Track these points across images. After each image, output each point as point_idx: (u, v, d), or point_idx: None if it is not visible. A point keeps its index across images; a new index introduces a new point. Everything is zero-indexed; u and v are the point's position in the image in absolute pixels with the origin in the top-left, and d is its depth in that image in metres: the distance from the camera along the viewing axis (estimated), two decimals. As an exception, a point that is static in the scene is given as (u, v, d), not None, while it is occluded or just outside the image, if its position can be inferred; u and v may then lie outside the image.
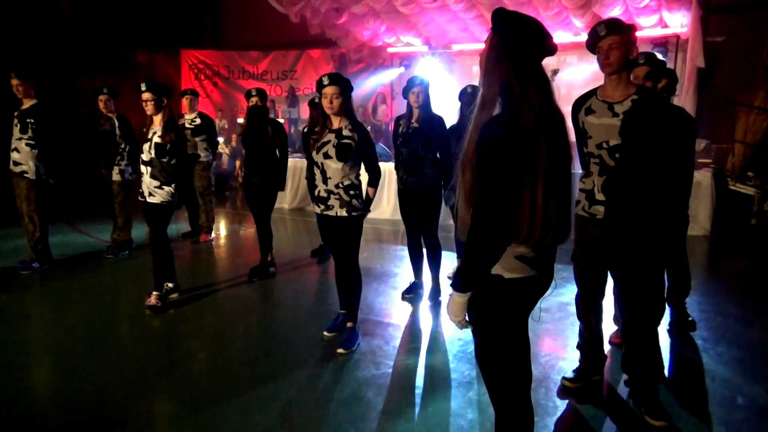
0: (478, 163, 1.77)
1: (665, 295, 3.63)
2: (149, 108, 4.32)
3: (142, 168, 4.41)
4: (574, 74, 9.35)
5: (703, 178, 7.07)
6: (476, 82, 2.75)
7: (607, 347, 3.53)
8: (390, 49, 11.49)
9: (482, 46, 1.93)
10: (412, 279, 4.79)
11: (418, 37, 11.07)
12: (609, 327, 3.77)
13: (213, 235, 7.04)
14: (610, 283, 3.15)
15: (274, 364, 3.58)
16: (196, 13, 13.65)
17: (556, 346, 3.79)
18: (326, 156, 3.63)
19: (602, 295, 3.15)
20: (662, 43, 9.04)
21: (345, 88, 3.59)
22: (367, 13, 10.14)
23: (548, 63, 1.88)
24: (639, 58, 3.42)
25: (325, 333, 3.88)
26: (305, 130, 5.81)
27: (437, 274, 4.72)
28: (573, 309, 3.31)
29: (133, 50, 12.27)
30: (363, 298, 3.99)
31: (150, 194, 4.39)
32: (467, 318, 1.91)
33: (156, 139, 4.33)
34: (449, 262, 5.67)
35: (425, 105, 4.42)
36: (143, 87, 4.30)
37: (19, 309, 4.58)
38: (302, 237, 7.27)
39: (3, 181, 5.71)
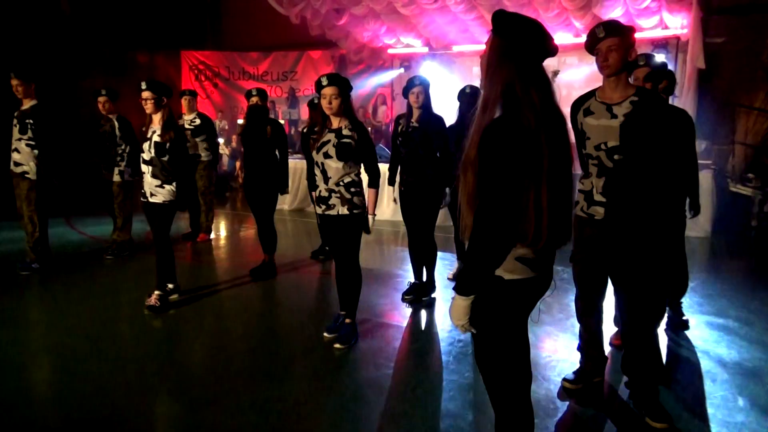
0: (480, 166, 1.77)
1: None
2: (149, 107, 4.33)
3: (143, 167, 4.41)
4: (574, 75, 9.36)
5: (703, 179, 7.04)
6: (476, 83, 2.75)
7: (607, 349, 3.53)
8: (390, 51, 11.50)
9: (483, 47, 1.93)
10: (413, 280, 4.79)
11: (418, 39, 11.07)
12: (609, 328, 3.77)
13: (213, 235, 7.05)
14: (610, 284, 3.15)
15: (275, 364, 3.58)
16: (196, 14, 13.65)
17: (556, 348, 3.78)
18: (326, 156, 3.64)
19: (602, 296, 3.14)
20: (662, 44, 9.04)
21: (344, 88, 3.60)
22: (367, 15, 10.15)
23: (549, 64, 1.87)
24: (639, 60, 3.42)
25: (326, 334, 3.88)
26: (304, 130, 5.81)
27: (432, 273, 4.72)
28: (573, 310, 3.30)
29: (134, 51, 12.27)
30: (363, 299, 3.98)
31: (151, 194, 4.39)
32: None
33: (155, 138, 4.33)
34: (449, 263, 5.67)
35: (425, 105, 4.42)
36: (143, 86, 4.31)
37: (19, 309, 4.57)
38: (302, 238, 7.27)
39: (3, 180, 5.71)
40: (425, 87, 4.41)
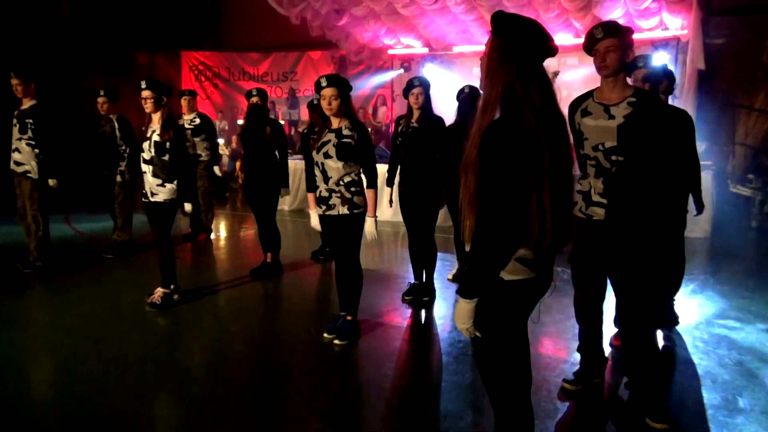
0: (481, 167, 1.77)
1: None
2: (148, 106, 4.33)
3: (144, 167, 4.41)
4: (574, 76, 9.36)
5: (703, 179, 7.02)
6: (476, 84, 2.75)
7: (607, 350, 3.53)
8: (390, 51, 11.50)
9: (483, 48, 1.93)
10: (413, 280, 4.78)
11: (418, 40, 11.07)
12: (609, 329, 3.76)
13: (213, 235, 7.05)
14: (609, 284, 3.14)
15: (275, 364, 3.58)
16: (196, 15, 13.64)
17: (557, 349, 3.78)
18: (326, 155, 3.64)
19: (602, 297, 3.14)
20: (662, 45, 9.05)
21: (343, 89, 3.60)
22: (367, 15, 10.15)
23: (549, 65, 1.88)
24: (638, 62, 3.41)
25: (326, 335, 3.88)
26: (305, 131, 5.82)
27: (431, 274, 4.71)
28: (573, 311, 3.30)
29: (134, 51, 12.27)
30: (363, 300, 3.98)
31: (152, 193, 4.39)
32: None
33: (155, 137, 4.33)
34: (450, 264, 5.66)
35: (425, 106, 4.42)
36: (143, 85, 4.32)
37: (21, 309, 4.57)
38: (303, 238, 7.27)
39: (3, 180, 5.71)
40: (425, 88, 4.42)
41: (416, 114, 4.46)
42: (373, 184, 3.78)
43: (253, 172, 5.32)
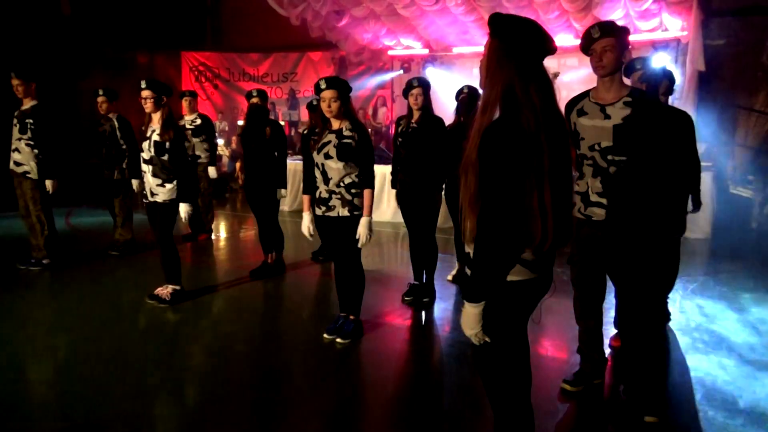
0: (481, 168, 1.76)
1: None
2: (148, 106, 4.33)
3: (144, 167, 4.41)
4: (574, 77, 9.35)
5: (703, 180, 7.03)
6: (476, 84, 2.75)
7: (607, 350, 3.53)
8: (390, 52, 11.50)
9: (483, 49, 1.93)
10: (413, 281, 4.78)
11: (418, 41, 11.08)
12: (609, 330, 3.76)
13: (213, 236, 7.05)
14: (610, 285, 3.14)
15: (275, 364, 3.57)
16: (196, 15, 13.65)
17: (557, 349, 3.78)
18: (327, 156, 3.63)
19: (601, 298, 3.14)
20: (663, 46, 9.05)
21: (343, 90, 3.60)
22: (367, 16, 10.15)
23: (549, 66, 1.88)
24: (636, 64, 3.41)
25: (326, 335, 3.88)
26: (305, 132, 5.81)
27: (432, 275, 4.71)
28: (573, 312, 3.29)
29: (134, 52, 12.27)
30: (364, 300, 3.98)
31: (152, 193, 4.39)
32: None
33: (155, 137, 4.33)
34: (450, 264, 5.66)
35: (425, 106, 4.42)
36: (143, 84, 4.32)
37: (21, 307, 4.56)
38: (303, 239, 7.24)
39: (2, 180, 5.72)
40: (425, 88, 4.41)
41: (416, 114, 4.46)
42: (370, 184, 3.76)
43: (254, 172, 5.33)
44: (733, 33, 8.71)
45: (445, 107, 6.85)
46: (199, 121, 6.58)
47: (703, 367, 3.50)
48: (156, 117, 4.38)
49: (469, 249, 1.88)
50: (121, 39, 11.65)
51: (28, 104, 5.30)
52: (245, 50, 13.22)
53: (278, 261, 5.52)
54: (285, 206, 9.13)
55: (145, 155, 4.38)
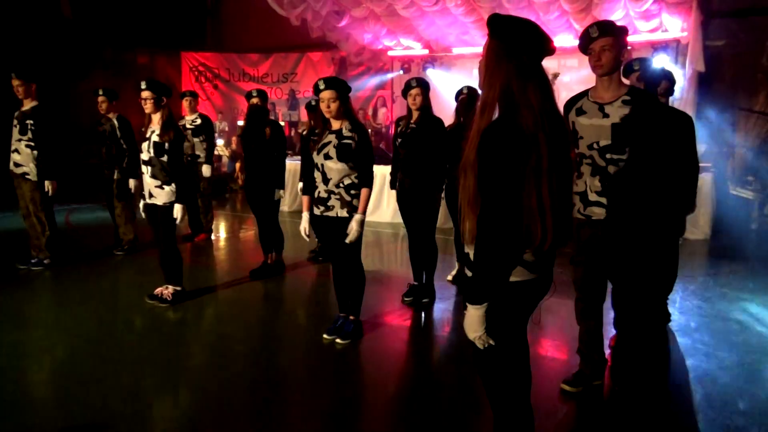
0: (480, 169, 1.77)
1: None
2: (148, 106, 4.32)
3: (143, 168, 4.41)
4: (574, 78, 9.35)
5: (703, 182, 7.06)
6: (475, 85, 2.75)
7: (607, 351, 3.52)
8: (390, 53, 11.51)
9: (482, 50, 1.93)
10: (413, 282, 4.78)
11: (418, 41, 11.09)
12: (609, 331, 3.76)
13: (213, 236, 7.05)
14: (609, 286, 3.14)
15: (275, 365, 3.57)
16: (196, 16, 13.66)
17: (556, 350, 3.78)
18: (327, 156, 3.63)
19: (602, 299, 3.14)
20: (662, 47, 9.06)
21: (341, 91, 3.59)
22: (367, 17, 10.16)
23: (549, 67, 1.88)
24: (634, 65, 3.41)
25: (325, 336, 3.88)
26: (304, 133, 5.82)
27: (431, 276, 4.71)
28: (573, 312, 3.30)
29: (134, 52, 12.28)
30: (363, 301, 3.97)
31: (151, 195, 4.39)
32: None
33: (154, 138, 4.33)
34: (449, 265, 5.66)
35: (424, 107, 4.42)
36: (143, 85, 4.32)
37: (22, 307, 4.55)
38: (302, 239, 7.25)
39: (2, 180, 5.72)
40: (423, 88, 4.41)
41: (415, 115, 4.46)
42: (368, 184, 3.74)
43: (254, 173, 5.33)
44: (733, 34, 8.72)
45: (445, 108, 6.85)
46: (199, 121, 6.59)
47: (703, 367, 3.50)
48: (156, 118, 4.38)
49: (468, 250, 1.88)
50: (121, 39, 11.66)
51: (28, 105, 5.30)
52: (245, 51, 13.22)
53: (278, 261, 5.53)
54: (285, 206, 9.12)
55: (144, 156, 4.38)
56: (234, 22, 13.51)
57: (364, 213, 3.69)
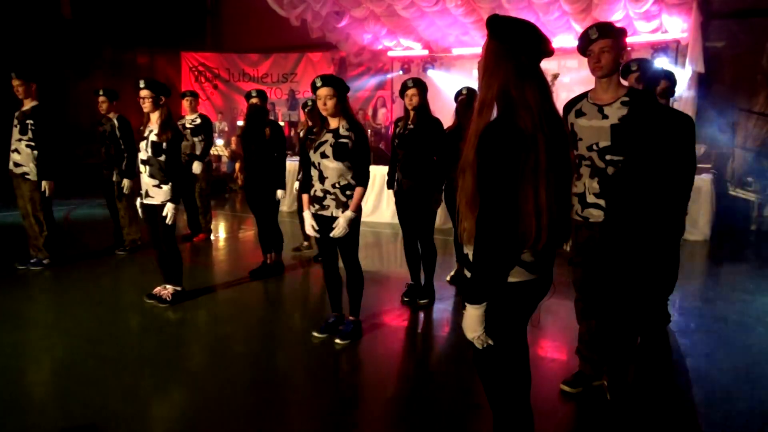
0: (479, 169, 1.77)
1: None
2: (146, 105, 4.32)
3: (141, 167, 4.40)
4: (574, 78, 9.36)
5: (703, 183, 7.07)
6: (475, 86, 2.75)
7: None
8: (390, 53, 11.52)
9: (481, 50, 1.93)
10: (410, 281, 4.77)
11: (418, 42, 11.09)
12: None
13: (213, 237, 7.05)
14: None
15: (275, 366, 3.57)
16: (196, 16, 13.67)
17: (556, 351, 3.78)
18: (323, 155, 3.63)
19: (601, 299, 3.13)
20: (662, 48, 9.06)
21: (338, 88, 3.59)
22: (367, 17, 10.16)
23: (549, 68, 1.88)
24: (631, 65, 3.42)
25: (315, 334, 3.89)
26: (301, 134, 5.83)
27: (431, 277, 4.71)
28: (573, 313, 3.29)
29: (134, 52, 12.29)
30: (363, 302, 3.97)
31: (148, 194, 4.38)
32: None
33: (152, 137, 4.32)
34: (449, 265, 5.66)
35: (421, 106, 4.41)
36: (141, 84, 4.31)
37: (21, 307, 4.55)
38: (301, 240, 7.26)
39: (2, 180, 5.72)
40: (420, 88, 4.40)
41: (412, 115, 4.45)
42: (363, 183, 3.72)
43: (253, 173, 5.33)
44: (733, 35, 8.72)
45: (445, 109, 6.86)
46: (198, 121, 6.59)
47: (702, 368, 3.50)
48: (154, 117, 4.37)
49: (467, 250, 1.88)
50: (121, 39, 11.66)
51: (28, 105, 5.30)
52: (245, 51, 13.23)
53: (277, 262, 5.53)
54: (284, 207, 9.12)
55: (142, 155, 4.37)
56: (234, 22, 13.51)
57: (355, 211, 3.66)
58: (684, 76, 8.37)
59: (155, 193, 4.36)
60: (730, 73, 8.75)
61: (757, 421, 2.90)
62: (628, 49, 2.94)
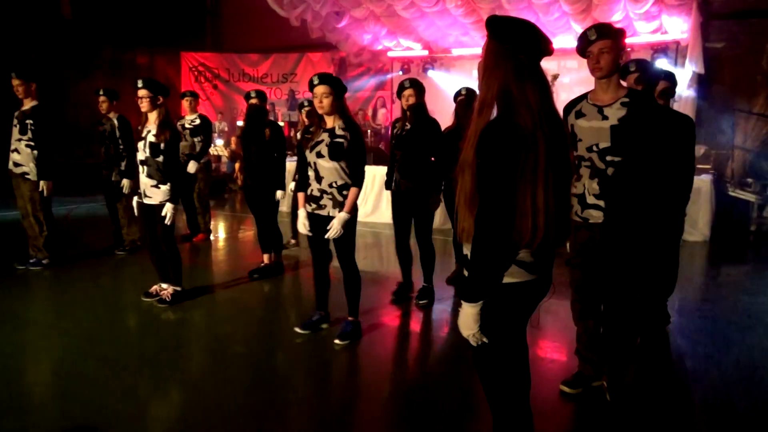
0: (479, 168, 1.77)
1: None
2: (144, 105, 4.31)
3: (139, 167, 4.40)
4: (574, 79, 9.36)
5: (702, 183, 7.08)
6: (475, 86, 2.75)
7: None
8: (390, 53, 11.52)
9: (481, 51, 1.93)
10: (420, 283, 4.77)
11: (418, 42, 11.09)
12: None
13: (212, 237, 7.05)
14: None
15: (274, 367, 3.57)
16: (196, 16, 13.67)
17: (556, 352, 3.78)
18: (319, 155, 3.63)
19: (599, 300, 3.13)
20: (662, 49, 9.06)
21: (335, 87, 3.59)
22: (367, 17, 10.16)
23: (549, 68, 1.88)
24: (630, 66, 3.43)
25: (297, 329, 3.91)
26: (298, 135, 5.83)
27: (430, 277, 4.71)
28: (571, 313, 3.29)
29: (134, 52, 12.29)
30: (362, 302, 3.97)
31: (146, 194, 4.38)
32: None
33: (150, 138, 4.31)
34: (448, 266, 5.66)
35: (418, 106, 4.41)
36: (139, 84, 4.31)
37: (21, 308, 4.55)
38: (301, 240, 7.26)
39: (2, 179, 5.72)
40: (416, 89, 4.40)
41: (409, 116, 4.46)
42: (358, 183, 3.71)
43: (253, 173, 5.33)
44: (733, 36, 8.73)
45: (445, 109, 6.86)
46: (198, 121, 6.58)
47: (702, 368, 3.50)
48: (152, 117, 4.36)
49: (467, 250, 1.88)
50: (120, 39, 11.66)
51: (28, 105, 5.29)
52: (245, 51, 13.23)
53: (277, 262, 5.53)
54: (284, 207, 9.10)
55: (140, 155, 4.36)
56: (234, 22, 13.51)
57: (350, 212, 3.66)
58: (684, 76, 8.37)
59: (153, 193, 4.36)
60: (730, 74, 8.75)
61: (757, 421, 2.90)
62: (628, 49, 2.94)
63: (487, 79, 1.84)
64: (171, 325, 4.26)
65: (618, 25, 2.97)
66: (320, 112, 3.64)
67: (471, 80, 10.14)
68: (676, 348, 3.84)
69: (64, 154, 5.86)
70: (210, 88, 13.39)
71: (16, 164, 5.29)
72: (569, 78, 9.45)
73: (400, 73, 11.41)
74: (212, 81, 13.41)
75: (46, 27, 10.23)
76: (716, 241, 7.03)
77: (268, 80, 13.01)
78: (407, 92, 4.39)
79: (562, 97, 2.62)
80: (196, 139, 6.54)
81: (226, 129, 12.62)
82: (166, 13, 12.27)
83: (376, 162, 8.35)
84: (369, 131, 11.25)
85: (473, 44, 10.19)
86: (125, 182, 5.94)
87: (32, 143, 5.24)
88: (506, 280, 1.84)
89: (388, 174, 4.76)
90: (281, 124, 9.70)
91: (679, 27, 8.77)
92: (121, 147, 5.97)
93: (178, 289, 4.57)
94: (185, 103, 6.68)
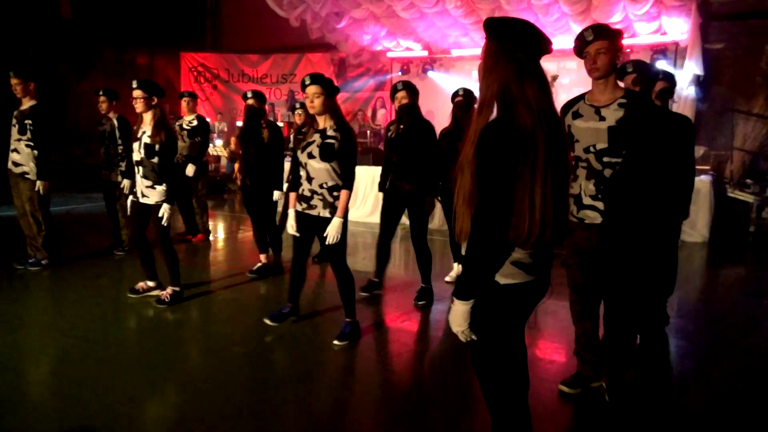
0: (478, 167, 1.77)
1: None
2: (138, 105, 4.31)
3: (135, 168, 4.40)
4: (573, 79, 9.38)
5: (702, 184, 7.08)
6: (475, 87, 2.76)
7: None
8: (390, 54, 11.53)
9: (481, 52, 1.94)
10: (421, 285, 4.76)
11: (417, 43, 11.10)
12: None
13: (212, 237, 7.05)
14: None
15: (272, 368, 3.57)
16: (196, 16, 13.68)
17: (554, 352, 3.78)
18: (310, 156, 3.63)
19: (597, 300, 3.13)
20: (661, 50, 9.07)
21: (326, 87, 3.60)
22: (367, 18, 10.17)
23: (548, 69, 1.88)
24: (627, 67, 3.44)
25: (266, 320, 4.00)
26: (292, 136, 5.85)
27: (428, 278, 4.71)
28: (569, 314, 3.29)
29: (134, 52, 12.30)
30: (360, 302, 3.97)
31: (143, 195, 4.38)
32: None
33: (145, 139, 4.31)
34: (447, 266, 5.66)
35: (410, 108, 4.42)
36: (134, 84, 4.31)
37: (19, 308, 4.54)
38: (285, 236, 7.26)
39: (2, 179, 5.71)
40: (409, 91, 4.41)
41: (403, 118, 4.46)
42: (348, 185, 3.70)
43: (252, 174, 5.32)
44: (732, 37, 8.73)
45: (444, 110, 6.86)
46: (195, 123, 6.57)
47: (701, 369, 3.50)
48: (147, 118, 4.35)
49: (465, 250, 1.88)
50: (120, 39, 11.67)
51: (27, 104, 5.28)
52: (244, 51, 13.23)
53: (277, 263, 5.53)
54: (282, 207, 9.11)
55: (136, 156, 4.36)
56: (233, 23, 13.51)
57: (342, 216, 3.65)
58: (683, 77, 8.38)
59: (149, 193, 4.36)
60: (729, 75, 8.76)
61: (757, 421, 2.90)
62: (627, 50, 2.95)
63: (487, 79, 1.85)
64: (170, 326, 4.26)
65: (617, 26, 2.98)
66: (312, 112, 3.65)
67: (471, 81, 10.14)
68: (675, 349, 3.84)
69: (63, 154, 5.84)
70: (209, 89, 13.39)
71: (16, 164, 5.29)
72: (569, 79, 9.46)
73: (400, 73, 11.41)
74: (212, 81, 13.41)
75: (46, 27, 10.24)
76: (715, 242, 7.03)
77: (267, 81, 13.01)
78: (400, 94, 4.41)
79: (561, 98, 2.64)
80: (195, 139, 6.53)
81: (225, 129, 12.62)
82: (166, 14, 12.28)
83: (376, 162, 8.34)
84: (368, 132, 11.27)
85: (473, 45, 10.20)
86: (126, 182, 5.94)
87: (32, 143, 5.24)
88: (505, 281, 1.84)
89: (382, 176, 4.76)
90: (280, 124, 9.70)
91: (679, 28, 8.78)
92: (121, 147, 5.97)
93: (177, 289, 4.57)
94: (184, 104, 6.68)
